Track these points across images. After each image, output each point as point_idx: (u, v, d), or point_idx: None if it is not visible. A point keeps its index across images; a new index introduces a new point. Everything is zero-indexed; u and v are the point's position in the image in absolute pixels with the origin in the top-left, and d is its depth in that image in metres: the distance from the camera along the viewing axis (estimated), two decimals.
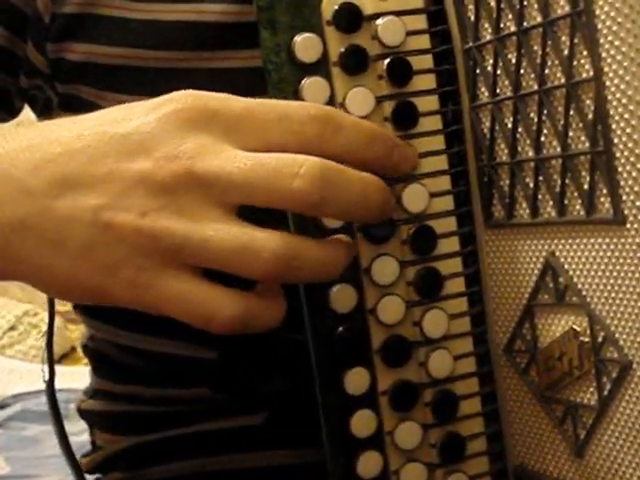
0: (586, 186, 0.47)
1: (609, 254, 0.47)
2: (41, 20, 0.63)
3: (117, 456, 0.71)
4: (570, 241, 0.49)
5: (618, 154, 0.45)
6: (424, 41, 0.52)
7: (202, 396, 0.66)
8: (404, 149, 0.50)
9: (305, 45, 0.50)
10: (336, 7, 0.51)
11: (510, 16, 0.49)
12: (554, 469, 0.53)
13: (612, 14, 0.44)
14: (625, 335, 0.47)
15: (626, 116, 0.45)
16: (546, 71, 0.48)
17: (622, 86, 0.44)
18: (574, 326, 0.49)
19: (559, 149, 0.48)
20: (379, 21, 0.51)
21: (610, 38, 0.44)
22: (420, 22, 0.52)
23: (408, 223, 0.52)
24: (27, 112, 0.71)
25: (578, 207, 0.48)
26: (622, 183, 0.45)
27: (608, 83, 0.45)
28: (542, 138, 0.49)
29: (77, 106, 0.64)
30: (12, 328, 2.74)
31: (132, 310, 0.47)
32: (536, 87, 0.49)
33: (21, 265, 0.46)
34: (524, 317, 0.52)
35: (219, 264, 0.45)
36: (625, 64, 0.44)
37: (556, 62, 0.47)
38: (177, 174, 0.44)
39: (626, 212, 0.46)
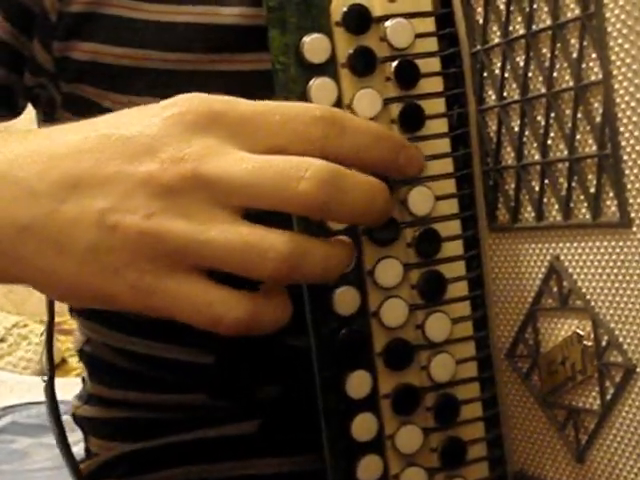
0: (592, 189, 0.47)
1: (614, 257, 0.47)
2: (48, 18, 0.63)
3: (112, 463, 0.70)
4: (575, 245, 0.49)
5: (625, 157, 0.45)
6: (432, 44, 0.52)
7: (199, 402, 0.65)
8: (410, 151, 0.49)
9: (313, 46, 0.50)
10: (345, 8, 0.51)
11: (519, 19, 0.49)
12: (554, 475, 0.52)
13: (622, 17, 0.44)
14: (629, 339, 0.47)
15: (634, 119, 0.45)
16: (554, 74, 0.48)
17: (631, 89, 0.45)
18: (578, 330, 0.49)
19: (566, 152, 0.48)
20: (388, 23, 0.51)
21: (620, 41, 0.45)
22: (428, 24, 0.52)
23: (413, 226, 0.52)
24: (28, 112, 0.71)
25: (584, 210, 0.48)
26: (629, 186, 0.45)
27: (617, 86, 0.45)
28: (549, 141, 0.49)
29: (80, 106, 0.64)
30: (1, 340, 2.73)
31: (129, 312, 0.46)
32: (544, 90, 0.49)
33: (26, 268, 0.46)
34: (527, 321, 0.52)
35: (225, 265, 0.44)
36: (634, 67, 0.44)
37: (565, 65, 0.48)
38: (183, 176, 0.44)
39: (632, 215, 0.46)
